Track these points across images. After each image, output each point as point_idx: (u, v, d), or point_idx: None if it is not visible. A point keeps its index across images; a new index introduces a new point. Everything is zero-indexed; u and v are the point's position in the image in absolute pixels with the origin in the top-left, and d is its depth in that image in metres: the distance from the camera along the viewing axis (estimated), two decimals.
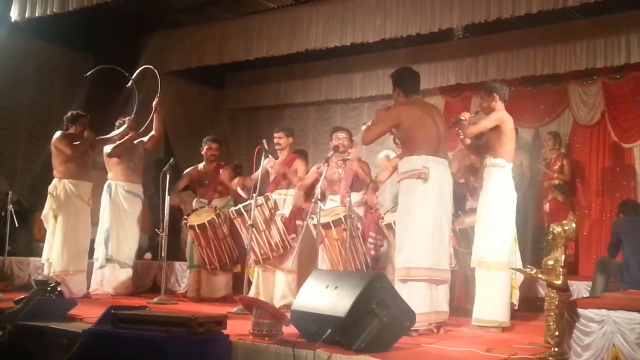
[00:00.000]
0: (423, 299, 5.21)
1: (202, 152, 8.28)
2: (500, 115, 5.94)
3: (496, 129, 5.89)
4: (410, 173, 5.35)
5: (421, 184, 5.29)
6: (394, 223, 6.13)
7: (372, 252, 7.17)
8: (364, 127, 6.02)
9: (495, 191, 5.84)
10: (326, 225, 6.59)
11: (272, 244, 6.93)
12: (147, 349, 4.03)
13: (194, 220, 7.63)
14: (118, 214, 8.00)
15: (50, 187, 7.58)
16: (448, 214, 5.48)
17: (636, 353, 3.75)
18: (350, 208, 6.40)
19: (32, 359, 4.98)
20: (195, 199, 8.30)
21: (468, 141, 6.26)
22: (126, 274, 8.06)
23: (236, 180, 7.74)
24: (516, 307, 5.94)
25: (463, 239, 6.56)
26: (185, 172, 8.30)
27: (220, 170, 8.23)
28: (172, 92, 11.52)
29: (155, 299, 7.22)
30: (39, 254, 8.05)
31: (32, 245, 9.13)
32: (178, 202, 9.99)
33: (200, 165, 8.28)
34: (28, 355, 5.01)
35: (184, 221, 7.82)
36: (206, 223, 7.50)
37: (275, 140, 7.35)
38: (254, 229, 6.81)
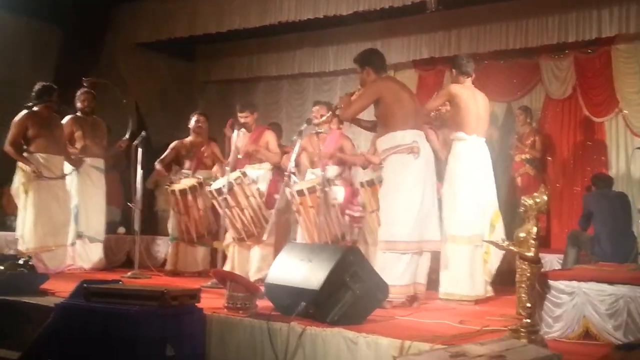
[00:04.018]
0: (404, 271, 5.30)
1: (189, 126, 8.23)
2: (447, 90, 6.12)
3: (451, 104, 5.98)
4: (399, 148, 5.40)
5: (413, 158, 5.36)
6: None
7: (349, 224, 7.19)
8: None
9: (455, 164, 5.95)
10: (300, 193, 6.61)
11: (255, 219, 6.90)
12: (120, 322, 4.03)
13: (175, 186, 7.64)
14: (85, 189, 7.95)
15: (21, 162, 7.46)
16: (434, 185, 5.60)
17: (606, 324, 3.83)
18: (325, 178, 6.39)
19: (4, 334, 4.95)
20: (179, 171, 8.24)
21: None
22: (97, 249, 8.02)
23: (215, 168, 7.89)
24: (489, 281, 5.98)
25: None
26: (170, 145, 8.25)
27: (212, 144, 8.24)
28: (142, 65, 11.40)
29: (129, 273, 7.19)
30: (10, 228, 7.94)
31: (2, 219, 9.02)
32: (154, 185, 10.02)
33: (186, 139, 8.22)
34: (0, 329, 4.98)
35: (166, 187, 7.81)
36: (187, 189, 7.51)
37: (242, 120, 7.24)
38: (236, 207, 6.79)
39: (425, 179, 5.43)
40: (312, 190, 6.60)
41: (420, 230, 5.36)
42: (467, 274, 5.75)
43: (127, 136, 8.08)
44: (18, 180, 7.43)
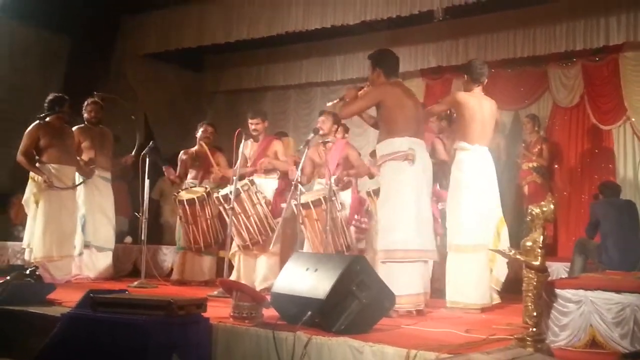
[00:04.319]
0: (410, 280, 5.25)
1: (196, 135, 8.22)
2: (452, 97, 6.14)
3: (456, 112, 5.98)
4: (396, 155, 5.36)
5: (408, 165, 5.31)
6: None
7: (355, 235, 7.18)
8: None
9: (458, 173, 5.93)
10: (306, 206, 6.62)
11: (260, 228, 6.92)
12: (127, 332, 4.02)
13: (183, 195, 7.64)
14: (93, 198, 7.99)
15: (32, 172, 7.49)
16: (430, 194, 5.58)
17: (613, 332, 3.80)
18: (331, 189, 6.40)
19: (10, 344, 4.95)
20: (185, 181, 8.25)
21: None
22: (106, 257, 8.06)
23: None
24: (497, 289, 5.95)
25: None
26: (179, 158, 8.25)
27: (217, 154, 8.20)
28: (150, 75, 11.46)
29: (136, 283, 7.19)
30: (17, 239, 7.96)
31: (10, 229, 9.06)
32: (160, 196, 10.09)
33: (192, 149, 8.24)
34: (6, 339, 4.98)
35: (173, 196, 7.81)
36: (195, 199, 7.52)
37: (252, 127, 7.30)
38: (242, 215, 6.81)
39: (420, 187, 5.38)
40: (317, 203, 6.61)
41: (420, 238, 5.32)
42: (472, 283, 5.72)
43: (133, 153, 8.09)
44: (30, 190, 7.48)
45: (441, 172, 6.69)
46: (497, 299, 5.95)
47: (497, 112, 6.26)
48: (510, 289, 5.97)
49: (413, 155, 5.29)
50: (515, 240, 5.54)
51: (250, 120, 7.34)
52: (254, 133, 7.31)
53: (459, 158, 5.97)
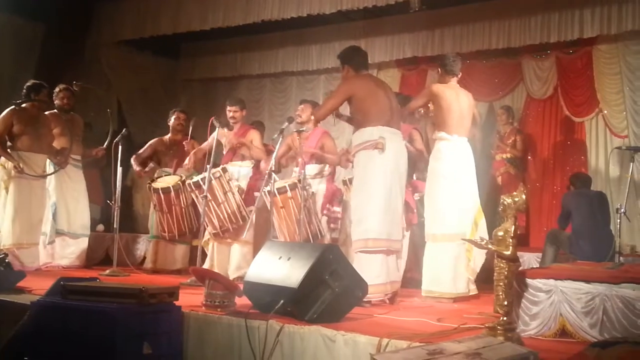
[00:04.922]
0: (380, 270, 5.27)
1: (168, 123, 8.17)
2: (429, 90, 6.18)
3: (433, 103, 6.03)
4: (367, 144, 5.36)
5: (378, 154, 5.31)
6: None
7: (328, 225, 7.17)
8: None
9: (437, 163, 5.96)
10: (272, 194, 6.60)
11: (231, 215, 6.89)
12: (98, 320, 4.01)
13: (158, 184, 7.58)
14: (65, 185, 7.93)
15: (2, 159, 7.41)
16: (402, 184, 5.54)
17: (582, 322, 3.85)
18: (304, 178, 6.38)
19: None
20: (159, 169, 8.19)
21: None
22: (82, 244, 8.02)
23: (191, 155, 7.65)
24: (472, 279, 5.98)
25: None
26: (148, 143, 8.19)
27: (191, 142, 8.11)
28: (125, 62, 11.36)
29: (107, 271, 7.15)
30: None
31: None
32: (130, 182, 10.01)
33: (166, 137, 8.18)
34: None
35: (147, 185, 7.74)
36: (171, 187, 7.46)
37: (230, 114, 7.28)
38: (212, 202, 6.78)
39: (392, 175, 5.35)
40: (282, 190, 6.58)
41: (388, 228, 5.32)
42: (448, 272, 5.76)
43: (105, 145, 8.00)
44: (0, 177, 7.39)
45: (418, 162, 6.71)
46: (474, 290, 5.99)
47: (474, 105, 6.32)
48: (483, 279, 6.01)
49: (383, 144, 5.29)
50: (489, 230, 5.58)
51: (228, 108, 7.31)
52: (232, 121, 7.28)
53: (438, 148, 6.00)
